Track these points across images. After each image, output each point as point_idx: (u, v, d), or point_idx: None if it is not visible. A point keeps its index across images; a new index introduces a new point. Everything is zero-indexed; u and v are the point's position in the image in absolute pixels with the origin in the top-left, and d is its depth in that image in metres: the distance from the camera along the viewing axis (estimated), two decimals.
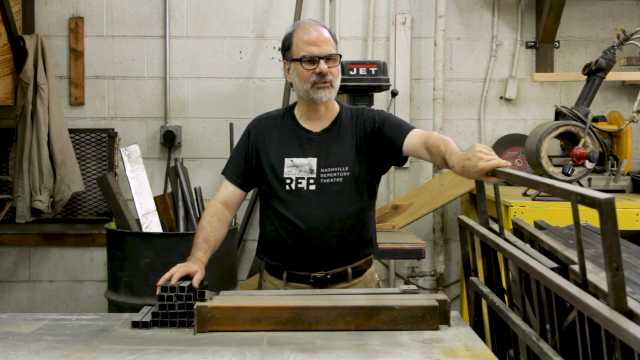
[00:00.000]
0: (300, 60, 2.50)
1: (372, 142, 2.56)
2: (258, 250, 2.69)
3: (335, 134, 2.58)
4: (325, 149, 2.55)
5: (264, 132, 2.62)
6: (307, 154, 2.55)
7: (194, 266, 2.35)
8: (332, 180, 2.53)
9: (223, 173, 2.68)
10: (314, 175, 2.52)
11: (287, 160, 2.54)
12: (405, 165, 4.15)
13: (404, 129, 2.51)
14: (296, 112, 2.64)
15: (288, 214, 2.52)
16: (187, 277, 2.31)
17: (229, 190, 2.64)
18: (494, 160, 2.07)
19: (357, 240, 2.58)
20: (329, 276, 2.54)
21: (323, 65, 2.48)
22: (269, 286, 2.63)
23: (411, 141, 2.46)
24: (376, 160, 2.58)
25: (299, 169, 2.53)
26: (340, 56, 2.57)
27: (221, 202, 2.62)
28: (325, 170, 2.53)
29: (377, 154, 2.56)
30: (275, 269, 2.62)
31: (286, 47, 2.57)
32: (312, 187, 2.52)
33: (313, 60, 2.49)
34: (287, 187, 2.53)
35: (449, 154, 2.24)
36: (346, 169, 2.53)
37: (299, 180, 2.52)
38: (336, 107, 2.64)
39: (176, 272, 2.30)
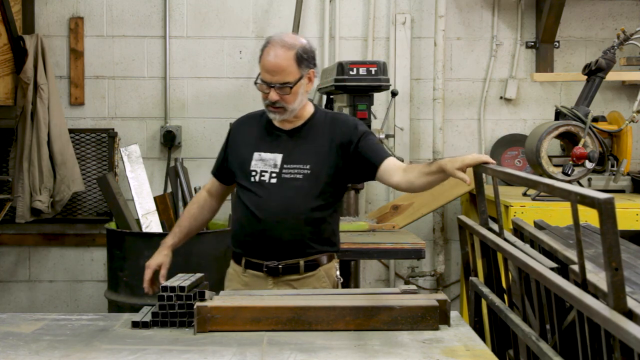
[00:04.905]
0: (256, 81, 2.62)
1: (348, 151, 2.65)
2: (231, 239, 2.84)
3: (305, 134, 2.69)
4: (291, 146, 2.67)
5: (241, 131, 2.80)
6: (275, 150, 2.68)
7: (158, 259, 2.73)
8: (292, 176, 2.64)
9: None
10: (277, 170, 2.65)
11: (256, 154, 2.69)
12: None
13: (384, 151, 2.68)
14: None
15: (248, 203, 2.66)
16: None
17: (212, 181, 2.93)
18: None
19: (311, 235, 2.66)
20: (280, 266, 2.65)
21: (272, 94, 2.57)
22: (231, 272, 2.79)
23: (389, 164, 2.61)
24: (347, 168, 2.67)
25: (264, 163, 2.67)
26: (298, 81, 2.56)
27: (206, 190, 2.92)
28: (288, 166, 2.65)
29: (351, 164, 2.66)
30: (236, 256, 2.77)
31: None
32: (274, 181, 2.64)
33: (267, 84, 2.58)
34: (252, 179, 2.66)
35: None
36: (307, 167, 2.64)
37: (263, 174, 2.66)
38: (309, 110, 2.72)
39: (146, 273, 2.72)
